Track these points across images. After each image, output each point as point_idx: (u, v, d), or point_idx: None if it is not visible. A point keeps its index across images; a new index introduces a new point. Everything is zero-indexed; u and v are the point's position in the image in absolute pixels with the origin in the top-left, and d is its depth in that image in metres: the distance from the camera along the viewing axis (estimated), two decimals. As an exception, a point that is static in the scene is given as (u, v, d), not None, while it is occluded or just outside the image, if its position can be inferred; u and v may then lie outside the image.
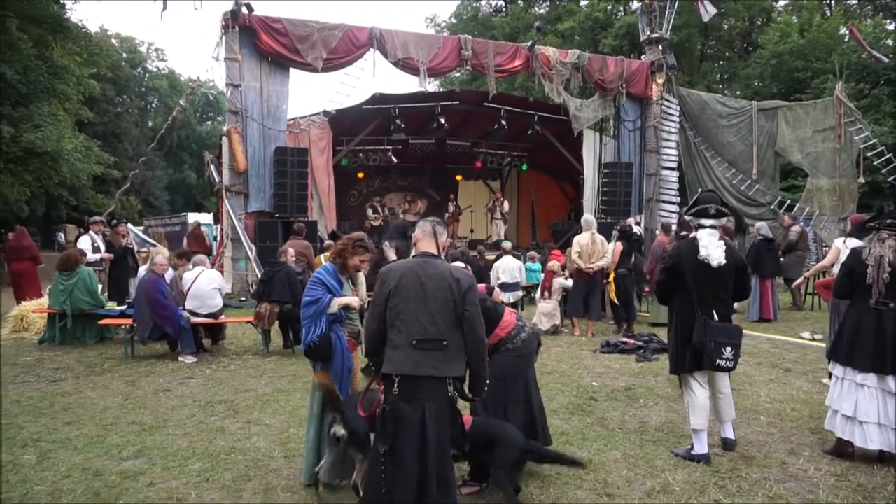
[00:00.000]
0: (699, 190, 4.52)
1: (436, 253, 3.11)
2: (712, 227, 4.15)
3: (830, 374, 6.08)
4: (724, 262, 4.01)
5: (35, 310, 9.02)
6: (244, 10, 11.68)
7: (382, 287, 2.98)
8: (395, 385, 2.88)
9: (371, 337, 3.03)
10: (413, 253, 3.21)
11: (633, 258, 9.28)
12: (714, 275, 4.04)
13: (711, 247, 4.03)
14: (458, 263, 9.50)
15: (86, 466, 4.04)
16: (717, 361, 3.98)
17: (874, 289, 4.00)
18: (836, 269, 6.03)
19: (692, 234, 4.25)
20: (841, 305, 5.66)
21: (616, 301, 8.95)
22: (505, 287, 9.84)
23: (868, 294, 4.05)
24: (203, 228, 15.28)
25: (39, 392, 5.85)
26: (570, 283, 9.20)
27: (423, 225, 3.18)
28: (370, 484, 2.98)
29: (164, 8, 11.86)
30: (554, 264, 9.44)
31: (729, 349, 3.99)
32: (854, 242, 5.97)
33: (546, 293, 9.21)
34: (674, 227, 9.69)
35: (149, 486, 3.77)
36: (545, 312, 9.06)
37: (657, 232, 10.78)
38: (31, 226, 27.32)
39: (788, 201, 15.29)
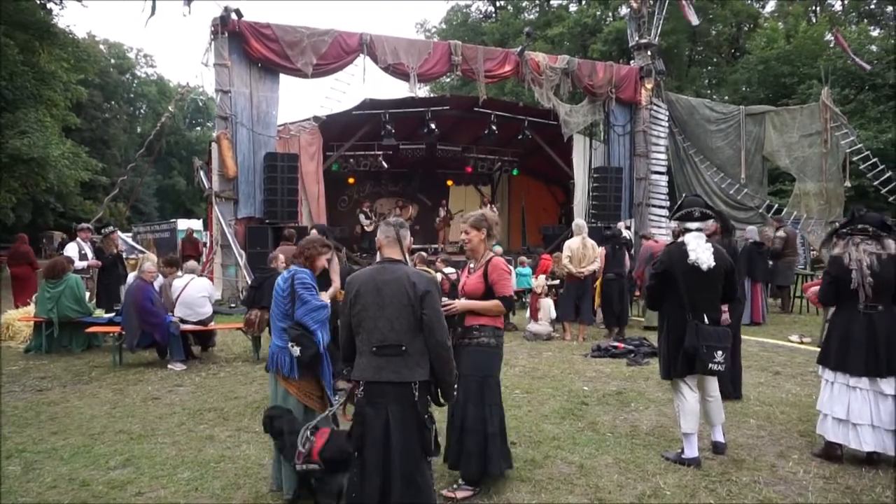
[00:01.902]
0: (683, 195, 4.56)
1: (398, 258, 3.10)
2: (698, 230, 4.17)
3: None
4: (713, 264, 4.04)
5: (21, 318, 8.92)
6: (233, 15, 11.66)
7: (346, 295, 3.05)
8: (361, 390, 2.95)
9: (344, 345, 3.12)
10: (377, 258, 3.22)
11: (626, 262, 9.31)
12: (704, 278, 4.06)
13: (700, 250, 4.05)
14: (450, 269, 9.52)
15: (72, 477, 3.99)
16: (710, 365, 4.00)
17: (860, 293, 4.04)
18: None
19: (679, 239, 4.27)
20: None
21: (599, 305, 9.00)
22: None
23: (855, 299, 4.08)
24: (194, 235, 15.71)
25: (25, 401, 5.78)
26: (552, 313, 9.22)
27: (387, 230, 3.15)
28: (349, 486, 3.04)
29: (153, 13, 11.76)
30: (539, 283, 9.39)
31: (720, 353, 4.01)
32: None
33: (536, 315, 9.19)
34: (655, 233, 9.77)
35: (137, 495, 3.73)
36: (536, 332, 9.03)
37: (641, 239, 10.88)
38: (18, 232, 27.08)
39: (776, 205, 15.44)
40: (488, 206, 17.79)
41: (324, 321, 3.62)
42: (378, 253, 3.22)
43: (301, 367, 3.57)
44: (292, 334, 3.52)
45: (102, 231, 10.61)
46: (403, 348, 2.91)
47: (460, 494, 3.62)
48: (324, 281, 4.21)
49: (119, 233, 11.51)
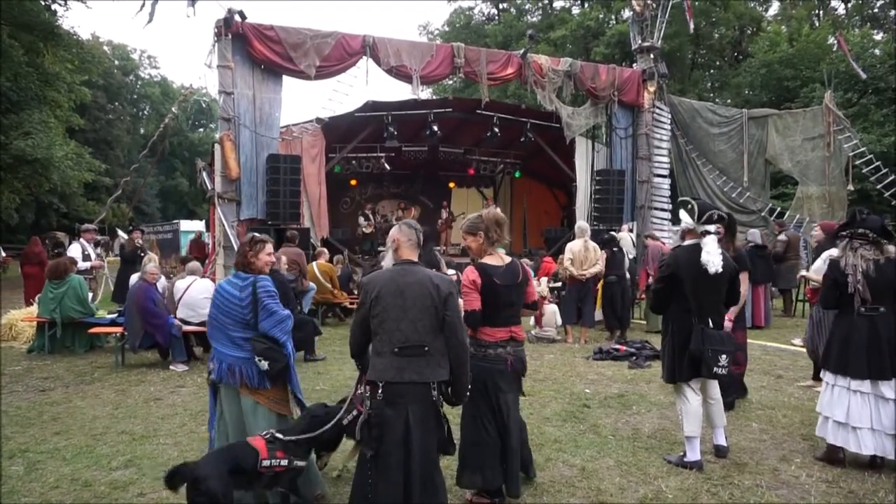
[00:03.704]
0: (686, 198, 4.54)
1: (416, 260, 3.14)
2: (716, 232, 4.16)
3: (813, 379, 6.21)
4: (720, 269, 4.03)
5: (24, 318, 8.94)
6: (237, 17, 11.67)
7: (365, 297, 3.05)
8: (380, 391, 2.94)
9: (356, 343, 3.17)
10: (393, 260, 3.20)
11: (625, 265, 9.31)
12: (711, 282, 4.06)
13: (713, 253, 4.02)
14: (451, 271, 9.47)
15: (75, 477, 4.00)
16: (714, 369, 4.00)
17: (856, 296, 4.04)
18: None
19: (687, 242, 4.27)
20: (822, 313, 5.74)
21: (601, 308, 9.00)
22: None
23: (855, 302, 4.07)
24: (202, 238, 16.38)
25: (28, 402, 5.79)
26: (558, 319, 9.19)
27: (409, 232, 3.16)
28: (357, 488, 3.03)
29: (150, 20, 11.77)
30: (541, 288, 9.35)
31: (724, 357, 4.01)
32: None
33: (540, 320, 9.16)
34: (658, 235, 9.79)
35: (139, 496, 3.74)
36: (541, 337, 9.03)
37: (645, 240, 10.87)
38: (21, 233, 27.16)
39: (779, 209, 15.40)
40: (491, 206, 17.75)
41: (290, 331, 3.46)
42: (393, 254, 3.20)
43: (271, 378, 3.41)
44: (259, 347, 3.33)
45: (120, 232, 12.03)
46: (426, 349, 2.96)
47: (477, 500, 3.61)
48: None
49: (120, 232, 12.07)
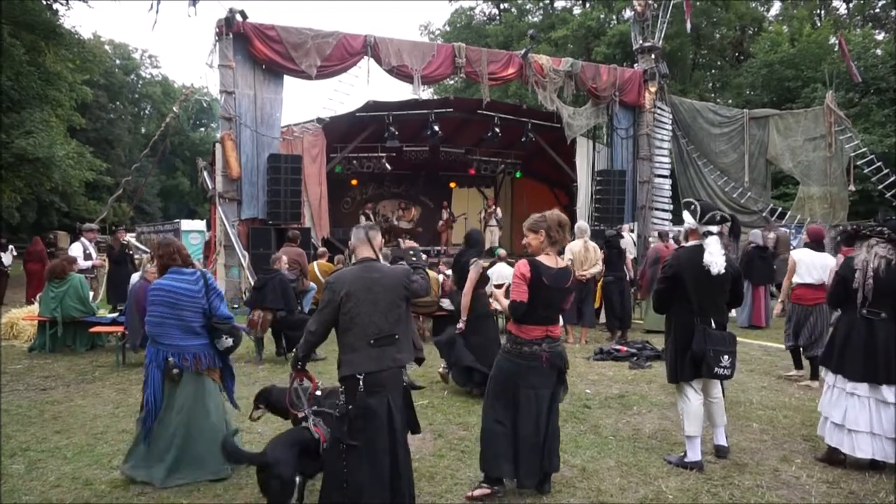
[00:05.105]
0: (691, 199, 4.53)
1: (374, 257, 3.32)
2: (719, 233, 4.16)
3: (794, 371, 6.32)
4: (723, 270, 4.02)
5: (25, 317, 8.95)
6: (238, 17, 11.69)
7: (333, 296, 3.18)
8: (361, 383, 3.09)
9: (316, 341, 3.34)
10: (354, 259, 3.46)
11: (624, 265, 9.32)
12: (714, 282, 4.06)
13: (716, 254, 4.03)
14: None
15: (76, 476, 4.00)
16: (716, 370, 4.00)
17: (859, 293, 4.03)
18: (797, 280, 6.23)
19: (690, 242, 4.28)
20: (796, 308, 6.24)
21: (600, 308, 9.01)
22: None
23: (857, 299, 4.07)
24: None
25: (29, 400, 5.80)
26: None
27: (357, 232, 3.39)
28: (329, 481, 3.10)
29: (156, 22, 11.84)
30: None
31: (727, 357, 4.02)
32: (804, 252, 6.12)
33: None
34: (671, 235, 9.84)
35: (139, 495, 3.74)
36: None
37: (650, 239, 10.90)
38: (23, 232, 27.18)
39: (780, 209, 15.39)
40: (492, 206, 17.75)
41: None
42: (353, 255, 3.47)
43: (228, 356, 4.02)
44: (225, 328, 3.85)
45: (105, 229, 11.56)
46: (396, 337, 3.18)
47: (478, 493, 3.64)
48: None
49: (125, 231, 11.80)
